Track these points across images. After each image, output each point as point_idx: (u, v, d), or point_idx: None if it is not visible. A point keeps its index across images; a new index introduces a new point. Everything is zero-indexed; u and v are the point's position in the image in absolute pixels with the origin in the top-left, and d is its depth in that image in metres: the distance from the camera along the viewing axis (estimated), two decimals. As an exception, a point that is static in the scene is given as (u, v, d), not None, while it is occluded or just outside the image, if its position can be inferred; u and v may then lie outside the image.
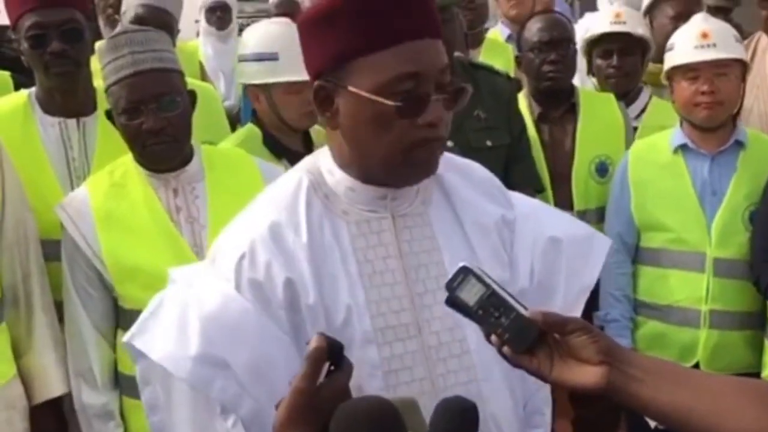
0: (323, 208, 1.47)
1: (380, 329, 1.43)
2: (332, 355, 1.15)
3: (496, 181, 1.61)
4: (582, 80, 3.78)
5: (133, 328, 1.46)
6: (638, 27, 3.42)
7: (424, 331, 1.45)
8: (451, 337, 1.47)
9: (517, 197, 1.61)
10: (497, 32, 5.02)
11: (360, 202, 1.47)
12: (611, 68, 3.41)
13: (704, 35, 2.82)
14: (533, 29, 3.23)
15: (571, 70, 3.29)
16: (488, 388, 1.46)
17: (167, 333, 1.40)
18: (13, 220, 2.39)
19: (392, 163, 1.41)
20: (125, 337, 1.47)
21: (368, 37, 1.37)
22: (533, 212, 1.59)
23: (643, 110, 3.42)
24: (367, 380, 1.40)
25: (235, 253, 1.43)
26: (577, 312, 1.52)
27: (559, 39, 3.20)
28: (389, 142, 1.39)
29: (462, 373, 1.46)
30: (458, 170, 1.56)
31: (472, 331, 1.43)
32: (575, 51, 3.29)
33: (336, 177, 1.48)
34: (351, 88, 1.38)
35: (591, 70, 3.53)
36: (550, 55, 3.17)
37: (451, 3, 2.91)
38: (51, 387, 2.44)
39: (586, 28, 3.78)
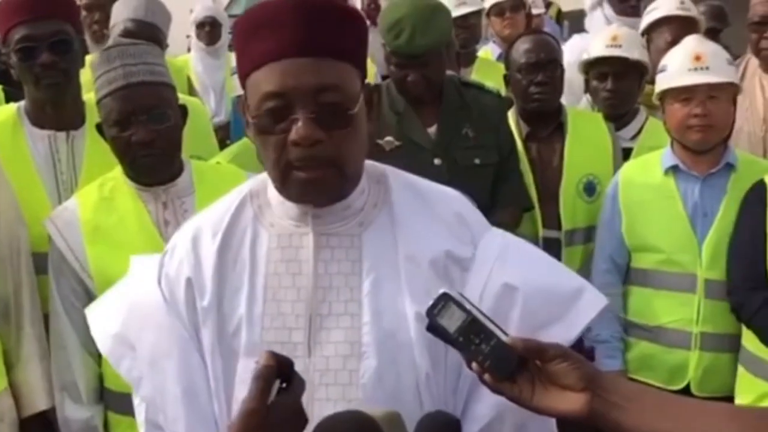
0: (253, 217, 1.50)
1: (268, 342, 1.42)
2: (282, 372, 1.13)
3: (468, 216, 1.52)
4: (578, 98, 3.79)
5: (95, 302, 1.62)
6: (634, 50, 3.41)
7: (315, 353, 1.43)
8: (342, 365, 1.42)
9: (493, 238, 1.51)
10: (488, 51, 5.05)
11: (288, 216, 1.48)
12: (606, 91, 3.40)
13: (697, 58, 2.82)
14: (520, 50, 3.24)
15: (558, 91, 3.29)
16: None
17: (106, 311, 1.56)
18: (7, 233, 2.39)
19: (279, 182, 1.43)
20: (87, 309, 1.62)
21: (248, 58, 1.41)
22: (499, 255, 1.46)
23: (639, 131, 3.42)
24: (244, 390, 1.37)
25: (165, 249, 1.55)
26: None
27: (546, 61, 3.20)
28: (271, 161, 1.40)
29: (341, 404, 1.38)
30: (419, 198, 1.51)
31: (369, 365, 1.41)
32: (562, 72, 3.29)
33: (273, 190, 1.49)
34: (246, 104, 1.43)
35: (588, 89, 3.54)
36: (537, 76, 3.18)
37: (435, 46, 2.91)
38: (37, 400, 2.43)
39: (581, 48, 3.78)
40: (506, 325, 1.37)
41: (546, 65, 3.19)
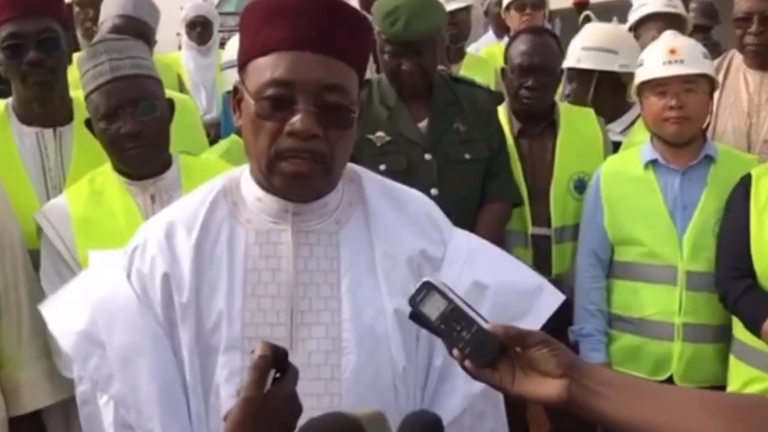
0: (227, 213, 1.51)
1: (248, 338, 1.44)
2: (277, 362, 1.16)
3: (437, 217, 1.58)
4: None
5: (48, 299, 1.60)
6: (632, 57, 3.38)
7: (296, 349, 1.44)
8: (324, 360, 1.45)
9: (461, 238, 1.57)
10: (502, 46, 5.03)
11: (265, 212, 1.49)
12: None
13: (672, 51, 2.86)
14: (517, 49, 3.24)
15: (549, 95, 3.27)
16: None
17: (66, 307, 1.53)
18: None
19: (264, 170, 1.43)
20: (41, 305, 1.59)
21: (256, 43, 1.42)
22: (468, 254, 1.53)
23: (629, 125, 3.44)
24: (224, 386, 1.43)
25: (133, 244, 1.53)
26: None
27: (540, 66, 3.19)
28: (261, 147, 1.41)
29: (325, 398, 1.43)
30: (391, 198, 1.55)
31: (350, 359, 1.44)
32: (557, 76, 3.30)
33: (248, 186, 1.51)
34: (243, 89, 1.44)
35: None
36: (528, 80, 3.18)
37: (428, 36, 2.94)
38: (37, 398, 2.42)
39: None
40: None
41: (539, 70, 3.18)
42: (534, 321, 1.48)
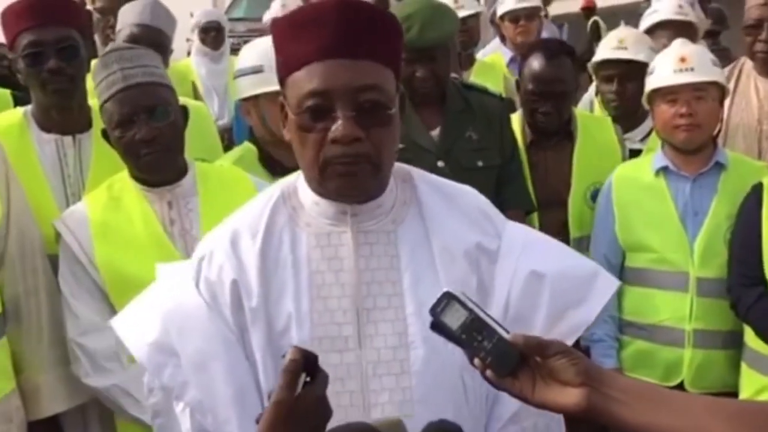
0: (288, 219, 1.54)
1: (318, 338, 1.47)
2: (308, 366, 1.18)
3: (489, 210, 1.60)
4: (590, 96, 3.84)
5: (120, 313, 1.62)
6: (640, 52, 3.44)
7: (365, 346, 1.48)
8: (392, 356, 1.48)
9: (513, 229, 1.60)
10: (499, 54, 5.07)
11: (324, 215, 1.53)
12: (612, 93, 3.46)
13: (682, 59, 2.87)
14: (532, 69, 3.19)
15: (564, 115, 3.25)
16: (423, 411, 1.44)
17: (138, 320, 1.56)
18: (18, 234, 2.40)
19: (317, 179, 1.47)
20: (112, 320, 1.62)
21: (288, 59, 1.46)
22: (523, 245, 1.56)
23: (648, 133, 3.43)
24: None
25: (199, 254, 1.56)
26: None
27: (556, 93, 3.17)
28: (309, 158, 1.45)
29: (397, 392, 1.47)
30: (443, 194, 1.58)
31: (418, 354, 1.47)
32: (572, 96, 3.30)
33: (305, 191, 1.55)
34: (286, 104, 1.49)
35: (598, 90, 3.57)
36: (543, 106, 3.18)
37: (441, 42, 2.96)
38: (56, 403, 2.44)
39: None
40: (536, 310, 1.49)
41: (552, 96, 3.17)
42: (591, 307, 1.52)
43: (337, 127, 1.41)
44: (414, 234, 1.53)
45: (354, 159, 1.43)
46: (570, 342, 1.50)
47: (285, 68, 1.48)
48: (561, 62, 3.23)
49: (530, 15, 5.00)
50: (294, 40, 1.45)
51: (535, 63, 3.22)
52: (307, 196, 1.54)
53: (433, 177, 1.62)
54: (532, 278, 1.51)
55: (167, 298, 1.55)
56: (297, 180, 1.57)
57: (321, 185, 1.49)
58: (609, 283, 1.58)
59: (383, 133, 1.45)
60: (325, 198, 1.52)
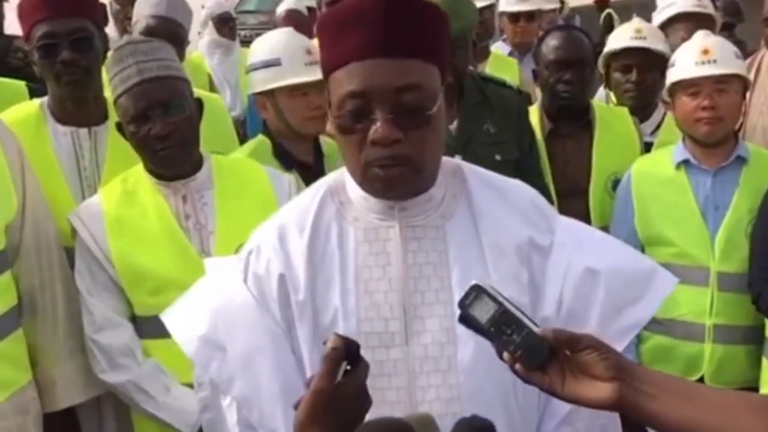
0: (336, 213, 1.53)
1: (365, 333, 1.46)
2: (349, 354, 1.17)
3: (541, 205, 1.58)
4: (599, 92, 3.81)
5: (170, 308, 1.62)
6: (658, 43, 3.43)
7: (412, 342, 1.47)
8: (440, 353, 1.47)
9: (566, 224, 1.57)
10: (498, 49, 5.06)
11: (372, 210, 1.51)
12: (630, 83, 3.42)
13: (705, 51, 2.85)
14: (550, 46, 3.21)
15: (587, 90, 3.26)
16: (472, 408, 1.40)
17: (186, 314, 1.57)
18: (33, 226, 2.40)
19: (360, 179, 1.47)
20: (162, 314, 1.62)
21: (332, 56, 1.45)
22: (577, 240, 1.53)
23: (658, 126, 3.42)
24: None
25: (247, 249, 1.56)
26: (618, 348, 1.45)
27: (575, 59, 3.16)
28: (352, 159, 1.45)
29: (444, 389, 1.46)
30: (494, 188, 1.56)
31: (466, 350, 1.45)
32: (592, 70, 3.27)
33: (353, 186, 1.53)
34: (329, 102, 1.47)
35: (608, 84, 3.54)
36: (565, 74, 3.15)
37: (461, 34, 2.92)
38: (71, 395, 2.44)
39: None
40: (590, 307, 1.46)
41: (575, 63, 3.15)
42: (648, 305, 1.50)
43: (376, 129, 1.39)
44: (463, 228, 1.51)
45: (394, 161, 1.41)
46: (626, 341, 1.50)
47: (329, 65, 1.46)
48: (578, 35, 3.26)
49: (530, 16, 4.99)
50: (339, 36, 1.43)
51: (553, 37, 3.24)
52: (354, 191, 1.53)
53: (484, 171, 1.60)
54: (587, 275, 1.49)
55: (216, 292, 1.55)
56: (344, 174, 1.56)
57: (364, 185, 1.48)
58: (667, 281, 1.54)
59: (423, 134, 1.43)
60: (371, 195, 1.51)
